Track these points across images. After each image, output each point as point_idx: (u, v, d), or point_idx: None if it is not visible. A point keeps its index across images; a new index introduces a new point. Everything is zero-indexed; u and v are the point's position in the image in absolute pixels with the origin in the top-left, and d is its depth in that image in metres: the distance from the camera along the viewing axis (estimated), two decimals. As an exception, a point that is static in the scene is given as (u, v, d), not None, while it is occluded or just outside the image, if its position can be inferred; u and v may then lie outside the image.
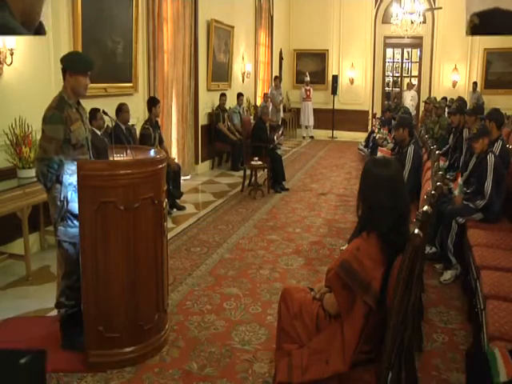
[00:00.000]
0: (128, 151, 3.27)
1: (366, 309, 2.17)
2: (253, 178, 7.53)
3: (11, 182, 4.36)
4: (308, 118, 14.26)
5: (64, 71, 3.14)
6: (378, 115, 12.22)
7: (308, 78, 13.95)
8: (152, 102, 6.44)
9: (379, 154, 7.72)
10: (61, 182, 3.06)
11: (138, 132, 6.59)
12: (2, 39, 4.45)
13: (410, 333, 2.34)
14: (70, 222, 3.06)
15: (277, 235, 5.57)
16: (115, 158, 3.18)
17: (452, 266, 4.33)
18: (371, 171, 2.31)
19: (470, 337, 3.38)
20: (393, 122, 9.26)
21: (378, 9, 14.15)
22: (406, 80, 15.06)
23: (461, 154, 6.30)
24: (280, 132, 8.29)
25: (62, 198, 3.06)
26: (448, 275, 4.31)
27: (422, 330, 3.34)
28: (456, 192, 4.69)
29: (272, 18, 13.06)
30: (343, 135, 14.58)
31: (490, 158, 4.31)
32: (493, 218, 4.29)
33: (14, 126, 4.45)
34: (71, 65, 3.13)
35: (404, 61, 15.82)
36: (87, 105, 3.66)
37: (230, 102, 9.78)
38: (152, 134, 6.25)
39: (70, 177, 3.01)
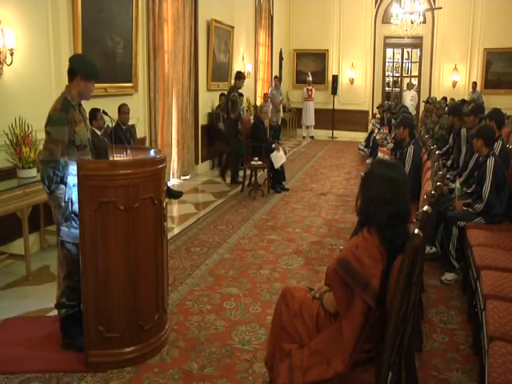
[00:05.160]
0: (128, 151, 3.27)
1: (364, 307, 2.16)
2: (253, 178, 7.53)
3: (11, 181, 4.36)
4: (309, 118, 14.27)
5: (73, 74, 3.10)
6: (378, 115, 12.21)
7: (310, 78, 13.97)
8: (238, 76, 8.27)
9: (379, 154, 7.72)
10: (65, 183, 3.05)
11: (138, 131, 6.61)
12: (2, 39, 4.45)
13: (410, 333, 2.35)
14: (73, 223, 3.06)
15: (277, 235, 5.57)
16: (115, 158, 3.18)
17: (455, 270, 4.33)
18: (376, 169, 2.32)
19: (469, 337, 3.38)
20: (393, 121, 9.27)
21: (378, 9, 14.15)
22: (406, 80, 15.07)
23: (459, 153, 6.30)
24: (277, 141, 8.28)
25: (66, 199, 3.05)
26: (449, 276, 4.31)
27: (421, 330, 3.34)
28: (456, 193, 4.68)
29: (272, 18, 13.06)
30: (343, 135, 14.58)
31: (490, 162, 4.28)
32: (495, 221, 4.27)
33: (14, 125, 4.45)
34: (86, 71, 3.11)
35: (404, 61, 15.82)
36: (87, 105, 3.66)
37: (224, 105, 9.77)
38: (238, 100, 8.24)
39: (75, 177, 2.99)
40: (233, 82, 9.62)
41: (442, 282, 4.30)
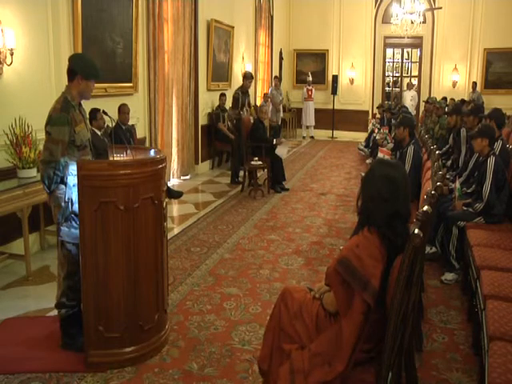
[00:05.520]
0: (128, 151, 3.27)
1: (364, 306, 2.16)
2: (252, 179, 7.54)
3: (11, 181, 4.36)
4: (309, 118, 14.27)
5: (73, 73, 3.09)
6: (378, 115, 12.22)
7: (310, 78, 13.99)
8: (245, 77, 8.85)
9: (379, 154, 7.72)
10: (65, 183, 3.05)
11: (138, 131, 6.61)
12: (2, 39, 4.45)
13: (410, 333, 2.35)
14: (73, 223, 3.06)
15: (277, 235, 5.57)
16: (115, 158, 3.18)
17: (455, 270, 4.33)
18: (377, 169, 2.32)
19: (469, 337, 3.38)
20: (393, 121, 9.27)
21: (378, 9, 14.16)
22: (406, 80, 15.07)
23: (459, 153, 6.30)
24: (279, 139, 8.37)
25: (66, 199, 3.05)
26: (450, 276, 4.31)
27: (421, 330, 3.34)
28: (456, 193, 4.68)
29: (272, 18, 13.07)
30: (343, 135, 14.59)
31: (491, 161, 4.29)
32: (495, 221, 4.27)
33: (14, 125, 4.45)
34: (86, 70, 3.10)
35: (404, 61, 15.83)
36: (88, 105, 3.66)
37: (230, 102, 9.77)
38: (240, 98, 8.66)
39: (75, 178, 2.99)
40: (233, 81, 9.80)
41: (441, 281, 4.30)
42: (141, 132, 6.93)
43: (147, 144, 7.11)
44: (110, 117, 3.55)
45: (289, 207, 6.81)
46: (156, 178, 3.08)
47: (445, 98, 11.75)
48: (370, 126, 11.64)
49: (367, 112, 14.48)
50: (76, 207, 3.01)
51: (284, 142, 8.02)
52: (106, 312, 2.97)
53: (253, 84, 12.03)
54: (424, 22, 12.91)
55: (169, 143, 7.77)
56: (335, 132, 14.65)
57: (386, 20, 13.82)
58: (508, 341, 2.46)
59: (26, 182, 4.34)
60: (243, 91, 8.83)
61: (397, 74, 15.68)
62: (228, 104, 9.65)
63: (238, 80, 10.88)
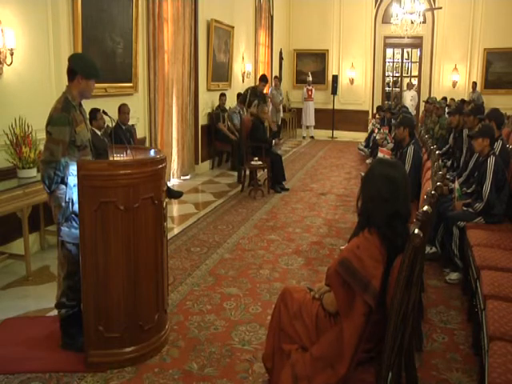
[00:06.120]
0: (128, 151, 3.27)
1: (365, 308, 2.16)
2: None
3: (11, 181, 4.35)
4: (309, 118, 14.27)
5: (73, 73, 3.09)
6: (378, 116, 12.21)
7: (310, 78, 13.99)
8: (261, 79, 9.74)
9: (379, 154, 7.73)
10: (66, 183, 3.05)
11: (138, 131, 6.61)
12: (2, 39, 4.45)
13: (410, 333, 2.35)
14: (74, 223, 3.06)
15: (277, 235, 5.57)
16: (115, 158, 3.18)
17: (459, 269, 4.32)
18: (377, 168, 2.32)
19: (469, 337, 3.38)
20: (393, 121, 9.27)
21: (377, 9, 14.16)
22: (406, 80, 15.07)
23: (460, 154, 6.30)
24: (278, 139, 8.38)
25: (67, 199, 3.06)
26: (454, 276, 4.30)
27: (421, 330, 3.34)
28: (456, 194, 4.67)
29: (272, 18, 13.06)
30: (343, 135, 14.59)
31: (491, 161, 4.28)
32: (495, 221, 4.27)
33: (14, 125, 4.45)
34: (86, 70, 3.09)
35: (404, 61, 15.83)
36: (88, 105, 3.66)
37: (230, 102, 9.79)
38: (249, 96, 9.32)
39: (75, 178, 2.98)
40: (233, 81, 9.85)
41: (446, 281, 4.29)
42: (141, 132, 6.93)
43: (147, 144, 7.11)
44: (110, 117, 3.55)
45: (289, 207, 6.81)
46: (156, 178, 3.08)
47: (445, 98, 11.75)
48: (370, 126, 11.65)
49: (367, 112, 14.48)
50: (76, 207, 3.00)
51: (283, 143, 8.02)
52: (106, 312, 2.97)
53: (253, 84, 12.08)
54: (424, 21, 12.91)
55: (169, 143, 7.77)
56: (335, 132, 14.65)
57: (386, 20, 13.82)
58: (508, 341, 2.46)
59: (26, 181, 4.34)
60: (254, 92, 9.22)
61: (397, 74, 15.68)
62: (228, 104, 9.68)
63: (238, 80, 10.90)
